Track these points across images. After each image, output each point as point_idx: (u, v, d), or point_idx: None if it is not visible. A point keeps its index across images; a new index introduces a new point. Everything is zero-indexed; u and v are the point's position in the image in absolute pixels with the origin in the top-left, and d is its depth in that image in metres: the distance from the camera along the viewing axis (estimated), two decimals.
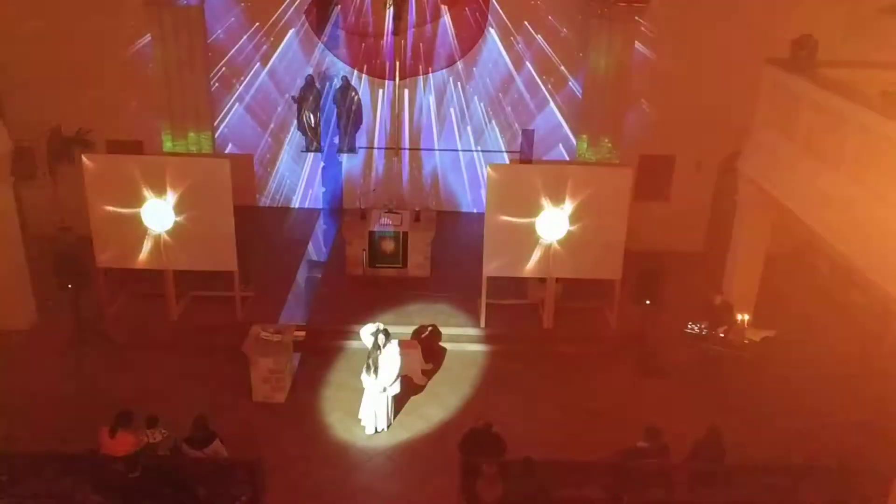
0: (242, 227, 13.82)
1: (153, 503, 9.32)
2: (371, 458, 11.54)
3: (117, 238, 13.58)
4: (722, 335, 12.74)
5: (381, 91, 17.42)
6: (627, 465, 10.41)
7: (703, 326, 12.82)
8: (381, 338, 11.57)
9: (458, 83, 17.31)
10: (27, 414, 11.84)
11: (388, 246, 15.54)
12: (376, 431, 11.90)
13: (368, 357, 11.60)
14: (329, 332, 14.03)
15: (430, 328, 13.88)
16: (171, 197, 13.34)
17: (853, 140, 10.38)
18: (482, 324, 14.34)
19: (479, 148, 17.75)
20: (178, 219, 13.47)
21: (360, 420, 11.95)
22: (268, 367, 12.52)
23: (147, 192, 13.30)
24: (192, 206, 13.41)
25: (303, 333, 13.71)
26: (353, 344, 13.83)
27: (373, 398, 11.76)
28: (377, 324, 11.87)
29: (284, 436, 11.77)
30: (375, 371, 11.53)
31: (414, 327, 13.91)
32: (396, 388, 11.84)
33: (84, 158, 13.41)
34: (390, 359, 11.57)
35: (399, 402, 12.23)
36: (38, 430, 11.40)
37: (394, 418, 12.07)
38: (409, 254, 15.59)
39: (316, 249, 16.92)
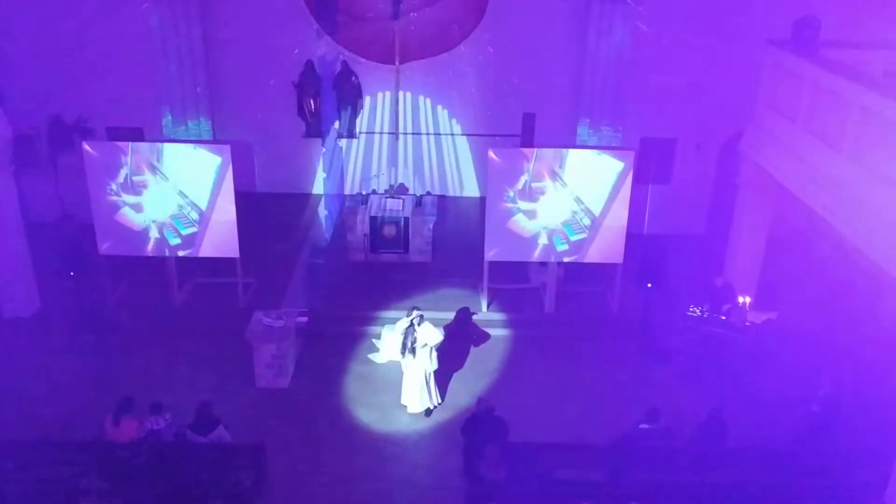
0: (243, 213, 13.82)
1: (158, 489, 9.37)
2: (374, 441, 11.60)
3: (119, 225, 13.59)
4: (723, 317, 12.75)
5: (380, 75, 17.35)
6: (629, 447, 10.46)
7: (704, 309, 12.82)
8: (417, 318, 11.69)
9: (459, 67, 17.21)
10: (31, 401, 11.89)
11: (390, 231, 15.55)
12: (429, 412, 12.03)
13: (405, 339, 11.68)
14: (331, 317, 14.06)
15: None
16: (171, 184, 13.35)
17: (855, 121, 10.33)
18: (484, 308, 14.36)
19: (479, 132, 17.69)
20: (179, 205, 13.47)
21: (405, 406, 12.05)
22: (271, 353, 12.57)
23: (148, 180, 13.30)
24: (193, 193, 13.42)
25: (305, 319, 13.75)
26: (356, 329, 13.90)
27: (415, 380, 11.84)
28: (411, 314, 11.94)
29: (288, 421, 11.83)
30: (413, 352, 11.61)
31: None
32: (435, 364, 11.92)
33: (85, 146, 13.41)
34: (425, 337, 11.69)
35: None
36: (42, 417, 11.46)
37: (441, 395, 12.17)
38: (410, 239, 15.59)
39: (317, 235, 16.93)
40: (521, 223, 13.62)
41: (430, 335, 11.77)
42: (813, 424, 10.96)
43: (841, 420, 10.91)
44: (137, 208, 13.49)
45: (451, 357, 12.94)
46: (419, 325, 11.71)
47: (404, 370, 11.94)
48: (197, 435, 10.18)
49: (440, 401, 12.15)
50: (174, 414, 10.52)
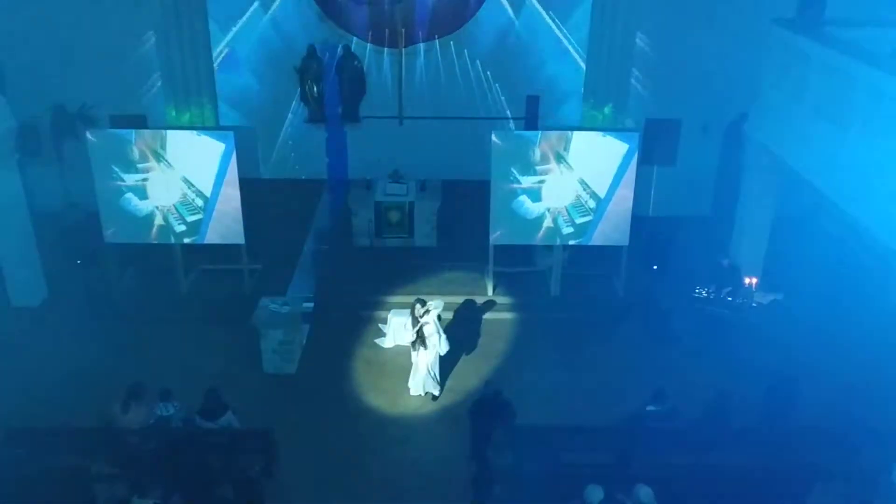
0: (247, 200, 13.82)
1: (168, 475, 9.44)
2: (382, 426, 11.66)
3: (124, 213, 13.62)
4: (730, 299, 12.73)
5: (383, 59, 17.27)
6: (636, 428, 10.50)
7: (710, 290, 12.80)
8: (419, 308, 11.71)
9: (462, 49, 17.13)
10: (40, 389, 11.97)
11: (395, 216, 15.53)
12: (435, 397, 12.07)
13: (413, 332, 11.70)
14: (337, 302, 14.08)
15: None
16: (176, 171, 13.35)
17: (862, 100, 10.26)
18: (490, 292, 14.37)
19: (483, 115, 17.61)
20: (183, 192, 13.48)
21: (411, 398, 12.11)
22: (277, 339, 12.61)
23: (152, 167, 13.31)
24: (198, 180, 13.42)
25: (311, 304, 13.77)
26: (362, 314, 13.93)
27: (422, 368, 11.90)
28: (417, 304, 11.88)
29: (295, 406, 11.90)
30: (423, 343, 11.65)
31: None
32: (446, 346, 11.92)
33: (88, 134, 13.42)
34: (431, 326, 11.71)
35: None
36: (51, 404, 11.53)
37: (442, 381, 12.21)
38: (415, 224, 15.58)
39: (322, 221, 16.92)
40: (526, 206, 13.59)
41: (435, 330, 11.75)
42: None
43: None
44: (142, 196, 13.50)
45: (458, 341, 12.96)
46: (422, 316, 11.69)
47: (413, 362, 12.00)
48: (206, 421, 10.25)
49: (438, 393, 12.17)
50: (182, 400, 10.57)
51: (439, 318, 11.93)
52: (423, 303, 11.84)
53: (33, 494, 9.37)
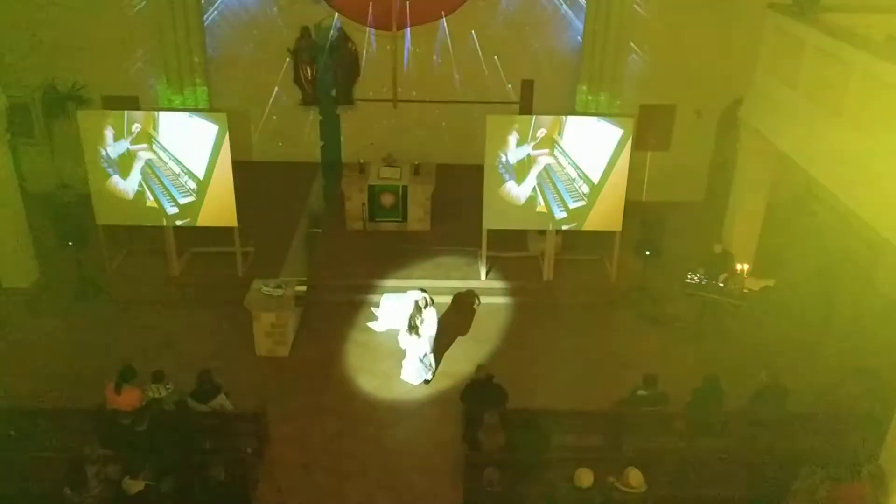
0: (240, 182, 13.76)
1: (160, 456, 9.47)
2: (374, 409, 11.69)
3: (116, 195, 13.54)
4: (721, 285, 12.76)
5: (378, 41, 17.15)
6: (626, 413, 10.56)
7: (702, 276, 12.83)
8: (424, 300, 11.76)
9: (458, 33, 17.01)
10: (32, 370, 11.95)
11: (388, 200, 15.50)
12: (426, 382, 12.14)
13: (411, 319, 11.75)
14: (330, 285, 14.08)
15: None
16: (168, 153, 13.27)
17: (856, 87, 10.25)
18: (483, 277, 14.38)
19: (478, 99, 17.54)
20: (176, 174, 13.41)
21: (404, 381, 12.14)
22: (270, 322, 12.61)
23: (144, 148, 13.22)
24: (190, 162, 13.35)
25: (304, 288, 13.77)
26: (355, 297, 13.93)
27: (412, 357, 11.96)
28: (420, 292, 12.02)
29: (288, 389, 11.91)
30: (417, 332, 11.69)
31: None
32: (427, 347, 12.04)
33: (79, 114, 13.31)
34: (429, 319, 11.82)
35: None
36: (42, 386, 11.53)
37: (436, 366, 12.29)
38: (408, 207, 15.56)
39: (315, 204, 16.88)
40: (520, 191, 13.57)
41: (430, 322, 11.84)
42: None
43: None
44: (134, 177, 13.42)
45: (451, 325, 12.99)
46: (425, 307, 11.78)
47: (405, 348, 12.04)
48: (198, 403, 10.27)
49: (430, 377, 12.22)
50: (175, 382, 10.58)
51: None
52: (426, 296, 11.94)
53: (24, 475, 9.39)
